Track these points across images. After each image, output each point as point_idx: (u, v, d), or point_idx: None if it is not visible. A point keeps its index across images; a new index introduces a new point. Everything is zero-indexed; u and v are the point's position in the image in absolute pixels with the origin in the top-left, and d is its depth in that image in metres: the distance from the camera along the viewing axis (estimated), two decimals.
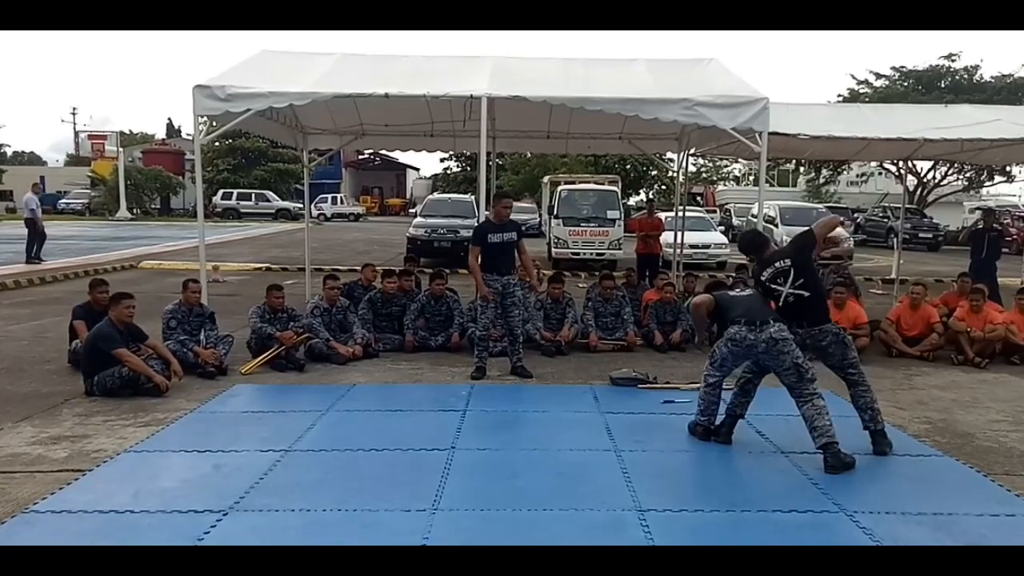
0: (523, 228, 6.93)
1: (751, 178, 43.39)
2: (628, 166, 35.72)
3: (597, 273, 10.41)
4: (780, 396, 4.60)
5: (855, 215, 29.04)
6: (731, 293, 4.75)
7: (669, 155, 12.64)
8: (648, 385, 6.11)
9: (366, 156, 50.69)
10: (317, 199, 38.26)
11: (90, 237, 22.67)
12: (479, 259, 6.33)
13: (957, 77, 28.78)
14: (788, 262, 4.48)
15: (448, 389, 5.99)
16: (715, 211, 32.36)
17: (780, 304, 4.52)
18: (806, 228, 4.72)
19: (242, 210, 37.36)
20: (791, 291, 4.43)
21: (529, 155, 33.79)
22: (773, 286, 4.51)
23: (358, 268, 9.20)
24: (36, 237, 14.66)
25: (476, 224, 6.97)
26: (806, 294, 4.41)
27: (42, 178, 43.06)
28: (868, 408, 4.42)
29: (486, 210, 8.82)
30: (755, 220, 12.06)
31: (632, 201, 35.36)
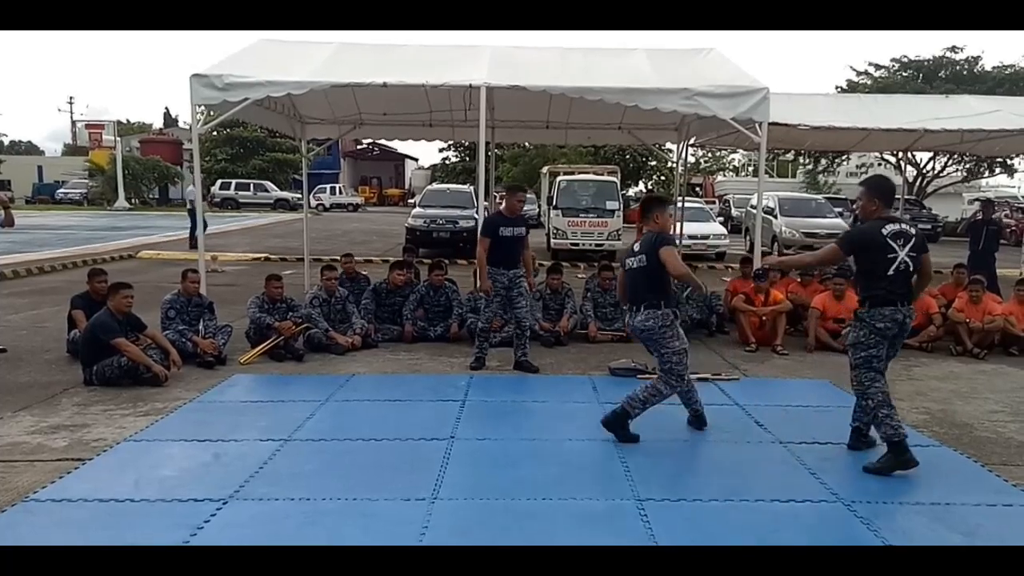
0: (530, 222, 6.79)
1: (750, 169, 43.38)
2: (627, 156, 35.65)
3: (596, 264, 10.39)
4: (779, 387, 4.61)
5: (854, 206, 28.94)
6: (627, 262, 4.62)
7: (668, 145, 12.64)
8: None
9: (365, 146, 50.54)
10: (316, 189, 38.22)
11: (88, 227, 22.63)
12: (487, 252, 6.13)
13: (958, 68, 28.65)
14: (912, 231, 4.12)
15: (447, 379, 6.00)
16: (714, 202, 32.30)
17: (890, 271, 4.02)
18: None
19: (240, 200, 37.25)
20: (906, 256, 4.04)
21: (528, 145, 33.72)
22: (892, 243, 4.02)
23: (358, 260, 9.19)
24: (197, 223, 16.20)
25: (486, 216, 6.80)
26: (912, 268, 4.06)
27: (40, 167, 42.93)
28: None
29: (485, 200, 8.81)
30: (754, 211, 12.03)
31: (631, 192, 35.27)
